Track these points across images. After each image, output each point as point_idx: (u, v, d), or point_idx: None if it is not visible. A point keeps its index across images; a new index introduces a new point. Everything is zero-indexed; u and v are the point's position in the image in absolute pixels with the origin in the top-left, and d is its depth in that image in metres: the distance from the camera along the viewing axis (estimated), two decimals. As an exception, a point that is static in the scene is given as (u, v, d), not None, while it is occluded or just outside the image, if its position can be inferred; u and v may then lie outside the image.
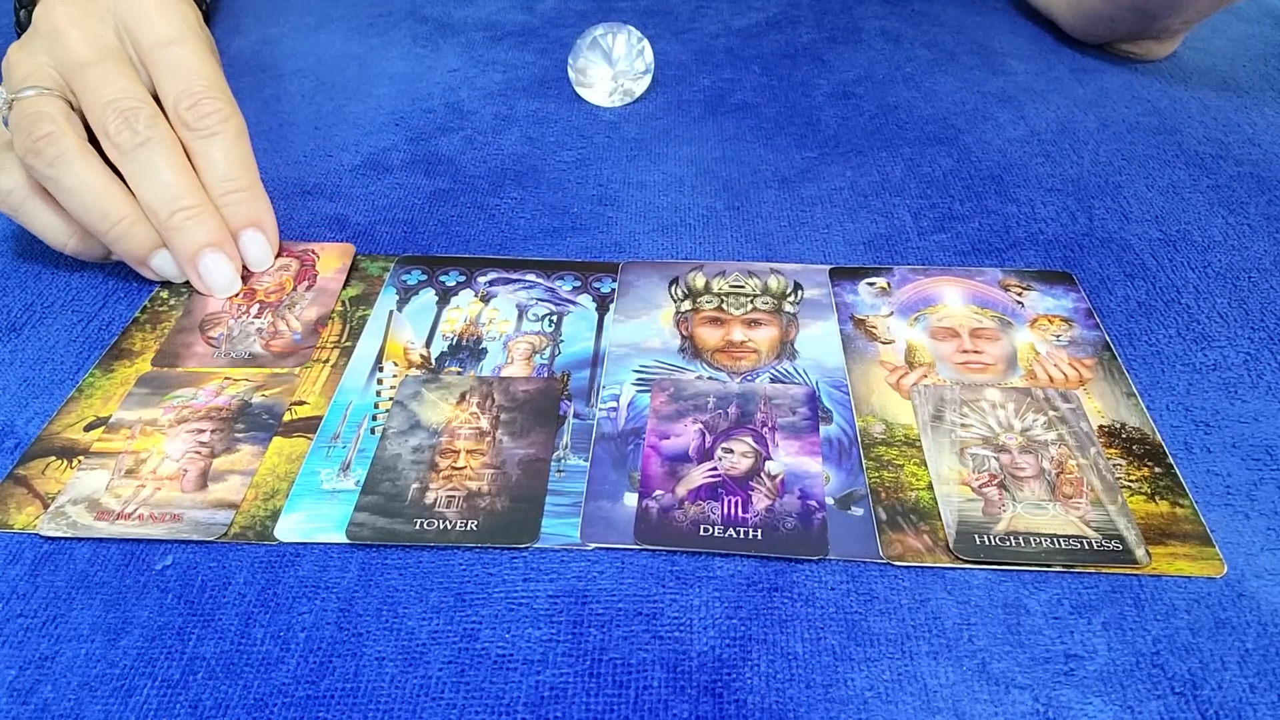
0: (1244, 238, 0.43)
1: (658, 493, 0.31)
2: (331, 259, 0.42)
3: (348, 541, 0.30)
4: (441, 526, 0.30)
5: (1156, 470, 0.32)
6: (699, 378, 0.36)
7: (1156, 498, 0.31)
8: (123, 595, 0.29)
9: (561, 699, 0.26)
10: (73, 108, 0.38)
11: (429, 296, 0.40)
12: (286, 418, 0.34)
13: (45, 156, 0.36)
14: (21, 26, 0.53)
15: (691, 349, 0.37)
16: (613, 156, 0.50)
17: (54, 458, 0.33)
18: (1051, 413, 0.34)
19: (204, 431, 0.34)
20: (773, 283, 0.40)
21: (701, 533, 0.30)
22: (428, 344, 0.38)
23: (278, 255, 0.42)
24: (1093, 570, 0.29)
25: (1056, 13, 0.61)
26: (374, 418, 0.34)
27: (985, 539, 0.29)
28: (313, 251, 0.43)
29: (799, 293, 0.40)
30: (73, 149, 0.36)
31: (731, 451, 0.33)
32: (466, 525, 0.30)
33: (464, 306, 0.40)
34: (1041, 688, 0.26)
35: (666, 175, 0.49)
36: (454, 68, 0.60)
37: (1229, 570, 0.29)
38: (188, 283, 0.41)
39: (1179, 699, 0.25)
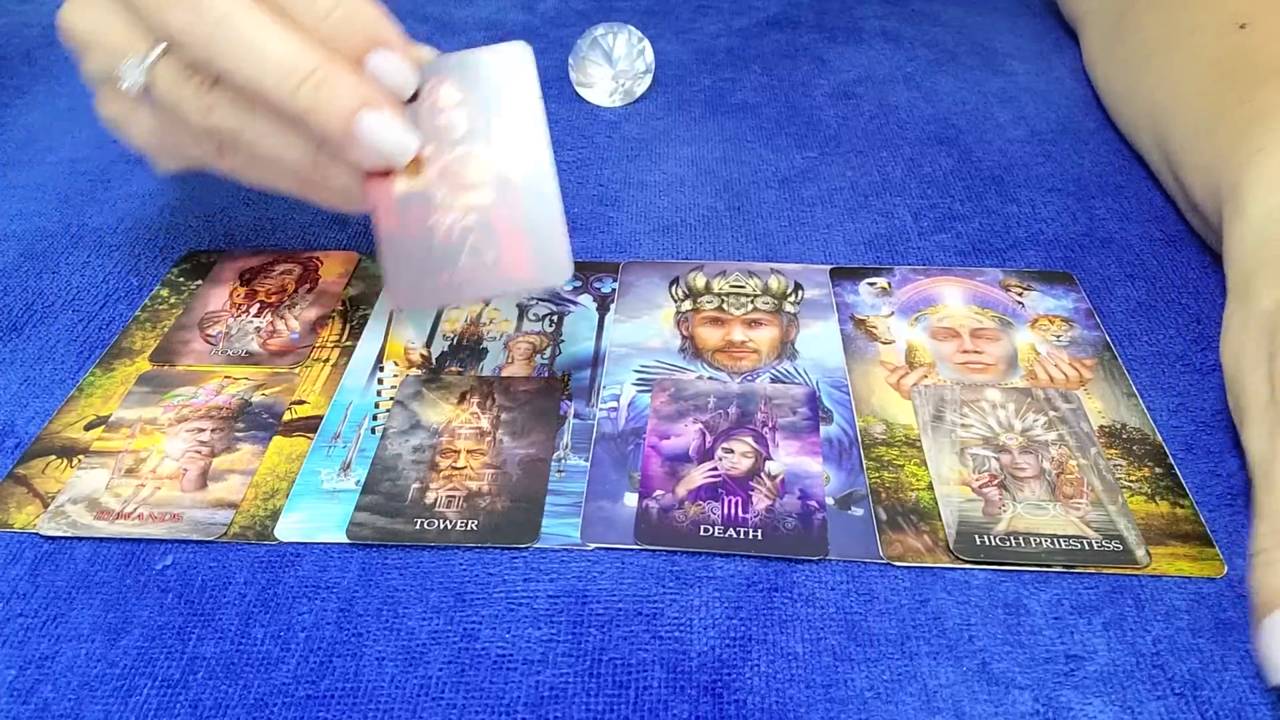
0: (1244, 238, 0.43)
1: (658, 493, 0.31)
2: (335, 264, 0.42)
3: (348, 541, 0.30)
4: (442, 526, 0.30)
5: (1157, 471, 0.32)
6: (699, 378, 0.36)
7: (1157, 498, 0.31)
8: (123, 595, 0.29)
9: (561, 699, 0.26)
10: None
11: (429, 296, 0.40)
12: (286, 417, 0.34)
13: (204, 17, 0.28)
14: None
15: (692, 349, 0.37)
16: (613, 156, 0.50)
17: (54, 457, 0.33)
18: (1052, 413, 0.34)
19: (204, 430, 0.34)
20: (773, 283, 0.40)
21: (701, 533, 0.30)
22: (428, 344, 0.38)
23: (282, 260, 0.42)
24: (1093, 570, 0.29)
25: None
26: (374, 417, 0.34)
27: (985, 539, 0.29)
28: (317, 258, 0.43)
29: (799, 293, 0.40)
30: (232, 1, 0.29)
31: (732, 451, 0.33)
32: (467, 525, 0.30)
33: (464, 306, 0.40)
34: (1042, 688, 0.26)
35: (667, 175, 0.49)
36: (454, 67, 0.60)
37: (1229, 571, 0.29)
38: (200, 276, 0.41)
39: (1179, 699, 0.25)
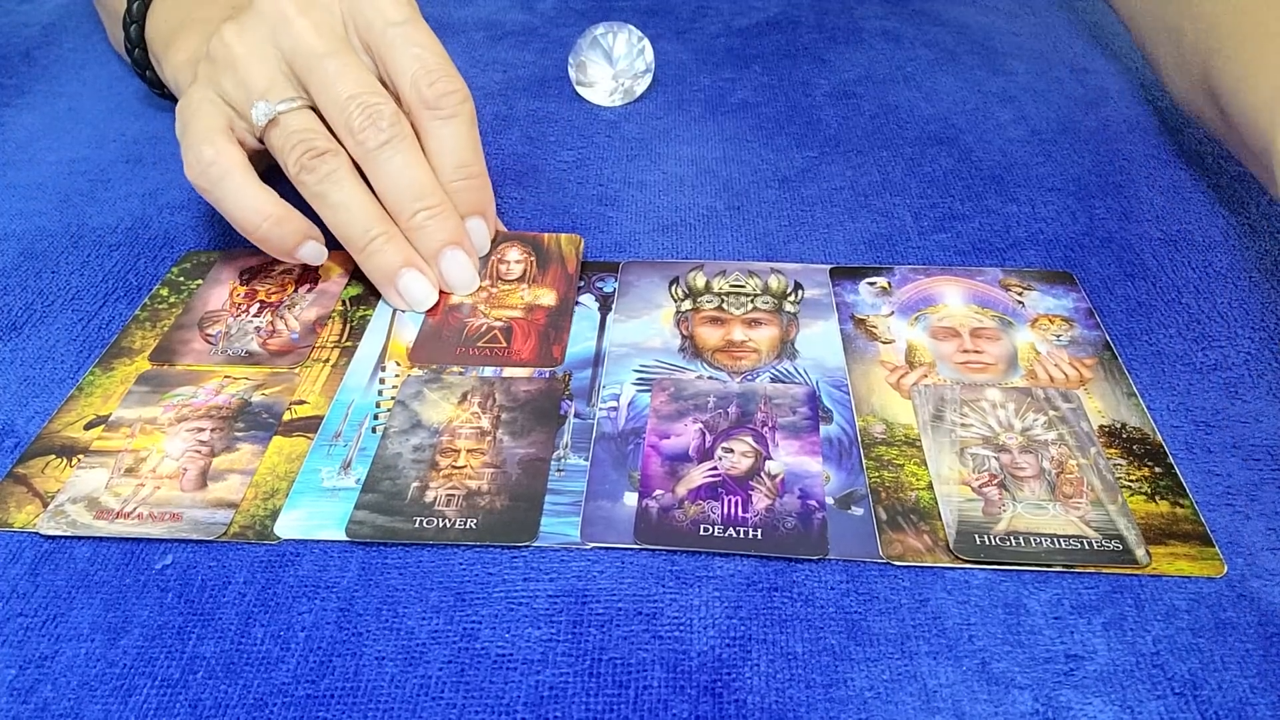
0: (1244, 237, 0.43)
1: (658, 492, 0.31)
2: (335, 264, 0.42)
3: (347, 539, 0.30)
4: (440, 524, 0.30)
5: (1157, 470, 0.32)
6: (699, 377, 0.36)
7: (1157, 498, 0.31)
8: (123, 595, 0.29)
9: (561, 699, 0.26)
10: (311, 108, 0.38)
11: (429, 296, 0.40)
12: (286, 417, 0.34)
13: (319, 173, 0.37)
14: (133, 42, 0.50)
15: (692, 348, 0.37)
16: (613, 156, 0.50)
17: (54, 456, 0.33)
18: (1052, 412, 0.34)
19: (204, 430, 0.34)
20: (773, 282, 0.40)
21: (701, 532, 0.30)
22: (428, 343, 0.38)
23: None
24: (1093, 570, 0.29)
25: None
26: (375, 417, 0.34)
27: (985, 539, 0.29)
28: None
29: (799, 292, 0.40)
30: (345, 167, 0.37)
31: (732, 451, 0.33)
32: (465, 524, 0.30)
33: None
34: (1041, 688, 0.26)
35: (667, 175, 0.49)
36: (454, 67, 0.60)
37: (1229, 570, 0.29)
38: (200, 276, 0.41)
39: (1179, 699, 0.25)
